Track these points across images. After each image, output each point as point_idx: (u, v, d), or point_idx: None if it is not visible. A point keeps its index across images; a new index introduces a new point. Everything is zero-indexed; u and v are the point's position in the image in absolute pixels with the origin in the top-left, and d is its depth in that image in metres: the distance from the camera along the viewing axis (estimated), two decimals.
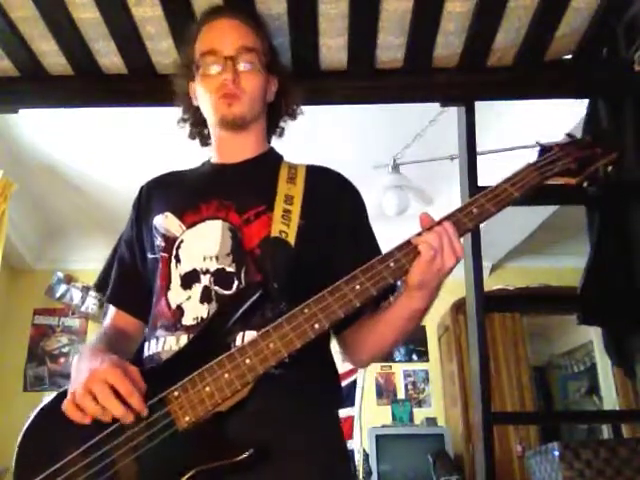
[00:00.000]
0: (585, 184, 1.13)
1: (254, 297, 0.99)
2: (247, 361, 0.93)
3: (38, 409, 1.00)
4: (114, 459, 0.91)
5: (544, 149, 1.09)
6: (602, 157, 1.09)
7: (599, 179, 1.10)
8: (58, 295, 4.83)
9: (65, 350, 4.80)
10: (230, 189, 1.16)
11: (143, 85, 1.93)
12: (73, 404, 0.92)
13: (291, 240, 1.08)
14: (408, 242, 0.98)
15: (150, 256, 1.18)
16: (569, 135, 1.12)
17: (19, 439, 0.98)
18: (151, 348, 1.09)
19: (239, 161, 1.24)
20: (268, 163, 1.25)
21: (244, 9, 1.29)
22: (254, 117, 1.24)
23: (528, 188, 1.03)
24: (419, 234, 0.98)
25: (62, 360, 4.78)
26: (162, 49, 1.80)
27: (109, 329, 1.21)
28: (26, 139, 3.50)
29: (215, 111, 1.21)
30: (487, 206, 1.01)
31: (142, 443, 0.92)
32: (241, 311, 0.99)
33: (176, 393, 0.94)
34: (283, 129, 1.37)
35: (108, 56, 1.83)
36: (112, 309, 1.25)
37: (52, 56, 1.83)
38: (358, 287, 0.95)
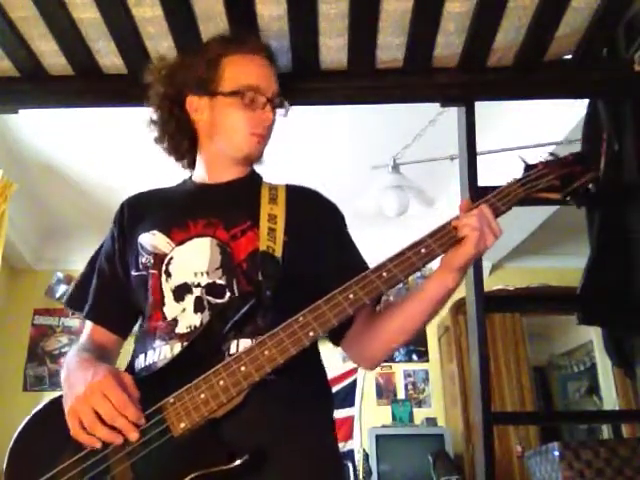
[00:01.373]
0: (567, 198, 1.22)
1: (249, 304, 1.01)
2: (242, 368, 0.95)
3: (30, 416, 1.01)
4: (109, 465, 0.92)
5: (528, 166, 1.18)
6: (581, 175, 1.19)
7: (581, 194, 1.18)
8: (58, 295, 4.83)
9: (65, 350, 4.79)
10: (217, 208, 1.19)
11: (143, 85, 1.92)
12: (82, 430, 0.93)
13: (278, 254, 1.12)
14: (442, 227, 1.05)
15: (134, 273, 1.18)
16: (551, 154, 1.21)
17: (10, 445, 0.98)
18: (147, 359, 1.10)
19: (224, 181, 1.27)
20: (250, 184, 1.29)
21: (269, 48, 1.35)
22: None
23: (515, 202, 1.12)
24: (457, 218, 1.05)
25: (62, 360, 4.77)
26: (162, 49, 1.80)
27: (88, 344, 1.20)
28: (26, 139, 3.50)
29: (243, 145, 1.25)
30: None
31: (137, 450, 0.92)
32: (236, 318, 1.00)
33: (172, 400, 0.95)
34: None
35: (108, 56, 1.83)
36: (89, 325, 1.24)
37: (52, 56, 1.83)
38: (352, 296, 0.99)
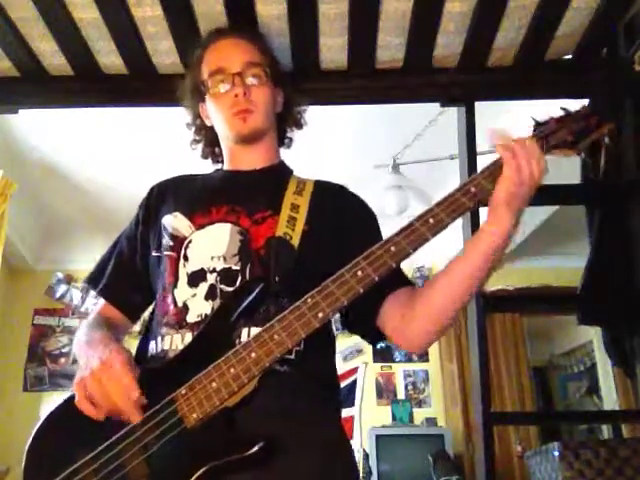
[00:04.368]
0: (583, 155, 1.13)
1: (256, 290, 1.00)
2: (252, 354, 0.93)
3: (47, 414, 1.01)
4: (124, 461, 0.92)
5: (538, 124, 1.09)
6: (598, 128, 1.08)
7: (602, 149, 1.09)
8: (58, 295, 4.84)
9: (65, 350, 4.80)
10: (241, 195, 1.19)
11: (143, 85, 1.93)
12: (85, 401, 0.94)
13: (295, 242, 1.10)
14: (451, 195, 0.99)
15: (154, 254, 1.19)
16: (563, 109, 1.10)
17: (28, 443, 0.99)
18: (157, 346, 1.10)
19: (250, 169, 1.27)
20: (278, 174, 1.28)
21: (245, 29, 1.35)
22: (267, 128, 1.28)
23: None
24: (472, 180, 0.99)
25: (62, 360, 4.78)
26: (162, 49, 1.80)
27: (100, 320, 1.20)
28: (26, 139, 3.50)
29: (231, 128, 1.24)
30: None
31: (151, 443, 0.92)
32: (244, 305, 0.99)
33: (183, 391, 0.94)
34: (291, 140, 1.42)
35: (108, 56, 1.83)
36: (101, 302, 1.25)
37: (52, 56, 1.83)
38: (360, 273, 0.95)
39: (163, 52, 1.81)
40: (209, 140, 1.36)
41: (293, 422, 1.00)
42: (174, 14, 1.68)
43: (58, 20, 1.70)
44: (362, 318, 1.14)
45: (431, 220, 0.96)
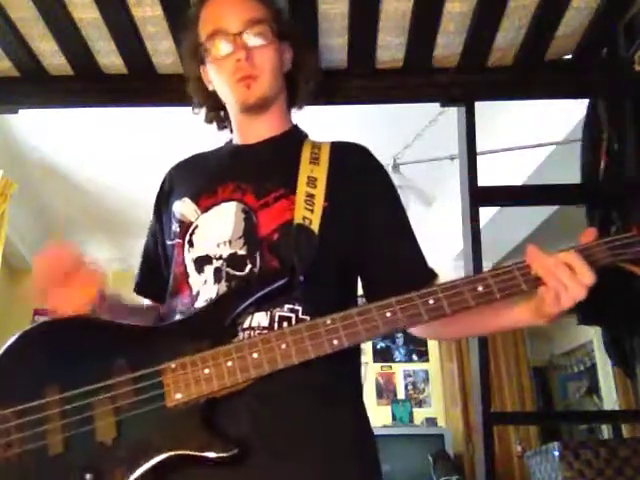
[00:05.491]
0: None
1: (276, 286, 0.95)
2: (255, 355, 0.89)
3: (20, 332, 0.95)
4: (94, 415, 0.87)
5: (621, 229, 1.02)
6: None
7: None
8: None
9: None
10: (249, 171, 1.11)
11: (143, 85, 1.93)
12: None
13: (315, 227, 1.03)
14: (508, 269, 0.92)
15: (168, 243, 1.15)
16: None
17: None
18: None
19: (259, 141, 1.17)
20: (290, 142, 1.18)
21: None
22: (276, 94, 1.16)
23: (596, 266, 0.95)
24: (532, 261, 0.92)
25: None
26: (162, 49, 1.80)
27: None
28: (26, 139, 3.50)
29: (235, 96, 1.14)
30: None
31: (125, 408, 0.88)
32: (258, 295, 0.95)
33: (173, 366, 0.90)
34: (304, 99, 1.28)
35: (108, 56, 1.83)
36: (138, 298, 1.24)
37: (52, 56, 1.83)
38: (389, 315, 0.91)
39: (163, 52, 1.81)
40: (212, 105, 1.25)
41: (288, 434, 0.94)
42: (174, 14, 1.67)
43: (58, 20, 1.70)
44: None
45: (480, 289, 0.91)
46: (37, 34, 1.75)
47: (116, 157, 3.68)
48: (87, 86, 1.93)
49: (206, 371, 0.89)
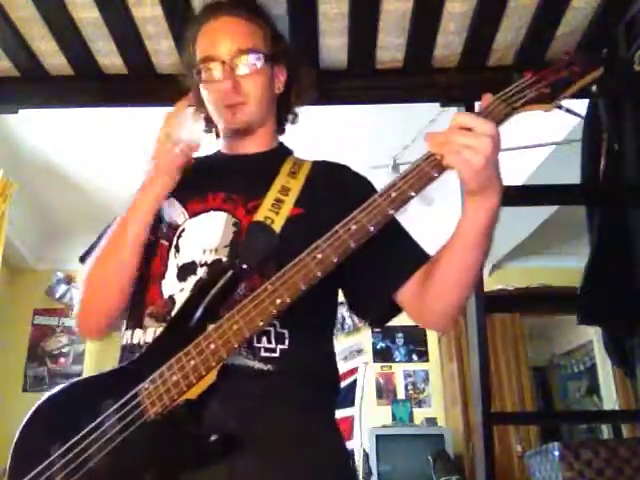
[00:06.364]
0: (561, 107, 0.98)
1: (223, 280, 0.96)
2: (212, 346, 0.91)
3: (31, 410, 1.02)
4: (89, 455, 0.92)
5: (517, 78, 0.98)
6: (581, 76, 0.97)
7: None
8: (58, 295, 4.83)
9: (65, 350, 4.80)
10: (237, 182, 1.14)
11: (143, 85, 1.93)
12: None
13: (276, 227, 1.05)
14: (414, 164, 0.91)
15: (151, 238, 1.14)
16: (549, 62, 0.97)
17: (14, 442, 1.00)
18: (137, 336, 1.06)
19: (248, 154, 1.22)
20: (274, 158, 1.21)
21: (241, 3, 1.21)
22: (261, 120, 1.21)
23: (497, 121, 0.93)
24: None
25: (62, 360, 4.78)
26: (162, 49, 1.80)
27: None
28: (26, 139, 3.50)
29: (221, 119, 1.19)
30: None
31: (114, 437, 0.92)
32: (208, 298, 0.96)
33: (146, 385, 0.93)
34: (296, 116, 1.32)
35: (108, 56, 1.83)
36: None
37: (52, 56, 1.83)
38: (319, 255, 0.90)
39: (163, 52, 1.82)
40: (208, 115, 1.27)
41: (268, 426, 0.96)
42: (174, 14, 1.68)
43: (58, 20, 1.70)
44: (375, 302, 1.08)
45: (393, 194, 0.89)
46: (37, 34, 1.75)
47: (116, 157, 3.68)
48: (87, 86, 1.94)
49: (174, 378, 0.92)
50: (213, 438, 0.89)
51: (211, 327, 0.93)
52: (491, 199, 0.91)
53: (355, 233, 0.89)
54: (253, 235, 1.05)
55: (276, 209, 1.07)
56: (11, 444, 0.99)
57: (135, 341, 1.06)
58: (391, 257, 1.08)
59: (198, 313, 0.96)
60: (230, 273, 0.97)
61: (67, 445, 0.93)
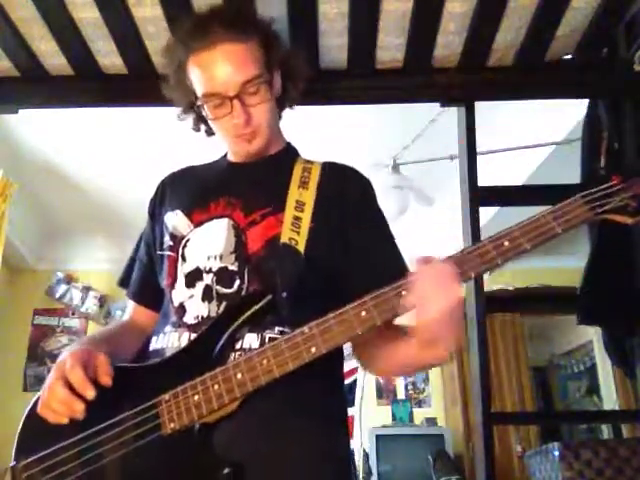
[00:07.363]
0: None
1: (261, 304, 0.98)
2: (239, 376, 0.92)
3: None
4: (104, 451, 0.93)
5: (599, 179, 0.93)
6: None
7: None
8: (58, 295, 4.83)
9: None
10: (240, 188, 1.15)
11: (143, 85, 1.92)
12: (44, 407, 0.95)
13: (301, 248, 1.06)
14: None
15: (158, 252, 1.19)
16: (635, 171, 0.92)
17: (23, 418, 1.01)
18: (158, 342, 1.10)
19: (253, 160, 1.21)
20: (282, 162, 1.21)
21: (233, 20, 1.13)
22: (273, 135, 1.20)
23: (576, 225, 0.89)
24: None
25: None
26: (162, 49, 1.80)
27: (123, 323, 1.25)
28: (26, 139, 3.50)
29: (236, 149, 1.20)
30: (520, 240, 0.92)
31: (130, 442, 0.93)
32: (243, 318, 0.98)
33: (167, 397, 0.94)
34: (294, 100, 1.29)
35: (108, 56, 1.84)
36: (131, 303, 1.27)
37: (52, 56, 1.83)
38: (364, 314, 0.90)
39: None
40: (200, 115, 1.23)
41: (279, 439, 0.98)
42: (174, 14, 1.68)
43: (58, 20, 1.70)
44: None
45: (363, 313, 0.90)
46: (37, 34, 1.75)
47: (116, 157, 3.68)
48: (87, 86, 1.94)
49: (196, 397, 0.93)
50: (226, 471, 0.90)
51: (242, 358, 0.94)
52: (431, 357, 0.91)
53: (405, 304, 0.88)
54: (282, 259, 1.05)
55: (297, 228, 1.08)
56: (11, 444, 1.00)
57: (156, 346, 1.09)
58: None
59: (227, 334, 0.98)
60: (269, 297, 0.97)
61: (82, 435, 0.94)
